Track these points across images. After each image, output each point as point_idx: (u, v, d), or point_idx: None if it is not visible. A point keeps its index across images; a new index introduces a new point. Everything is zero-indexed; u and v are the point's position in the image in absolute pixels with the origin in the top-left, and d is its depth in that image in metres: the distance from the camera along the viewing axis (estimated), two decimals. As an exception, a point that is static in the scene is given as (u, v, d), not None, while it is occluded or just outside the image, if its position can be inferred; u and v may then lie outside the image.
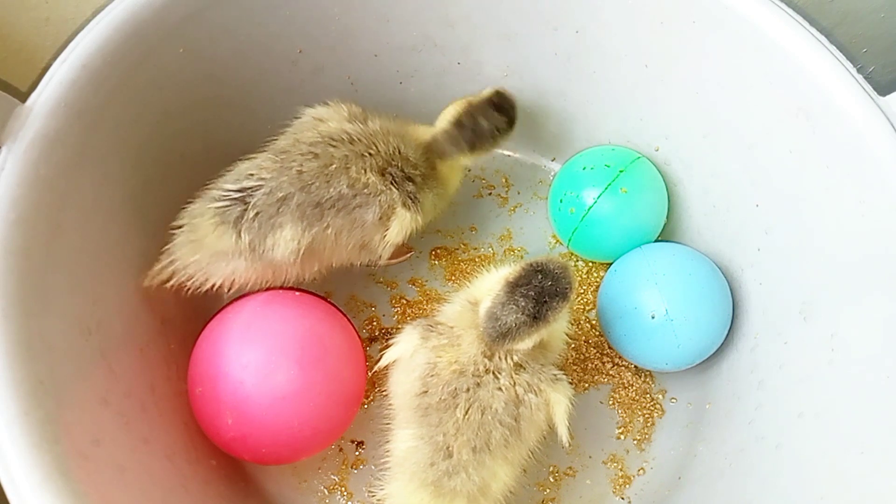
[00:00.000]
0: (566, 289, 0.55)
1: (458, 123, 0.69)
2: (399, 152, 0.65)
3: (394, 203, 0.63)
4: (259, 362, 0.59)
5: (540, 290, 0.54)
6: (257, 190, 0.60)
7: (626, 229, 0.75)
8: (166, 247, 0.63)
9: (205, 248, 0.61)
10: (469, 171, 0.84)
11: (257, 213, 0.60)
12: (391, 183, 0.63)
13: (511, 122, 0.71)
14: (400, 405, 0.59)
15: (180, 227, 0.62)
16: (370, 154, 0.63)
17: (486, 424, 0.55)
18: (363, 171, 0.62)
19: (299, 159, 0.61)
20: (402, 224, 0.64)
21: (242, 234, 0.60)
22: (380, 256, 0.67)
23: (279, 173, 0.61)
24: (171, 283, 0.63)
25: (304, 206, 0.60)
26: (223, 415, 0.59)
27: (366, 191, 0.62)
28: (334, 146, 0.62)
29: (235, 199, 0.60)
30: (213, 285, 0.64)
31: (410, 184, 0.64)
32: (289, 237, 0.60)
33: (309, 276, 0.67)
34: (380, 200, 0.62)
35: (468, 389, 0.55)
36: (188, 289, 0.63)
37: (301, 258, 0.62)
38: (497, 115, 0.70)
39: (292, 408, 0.59)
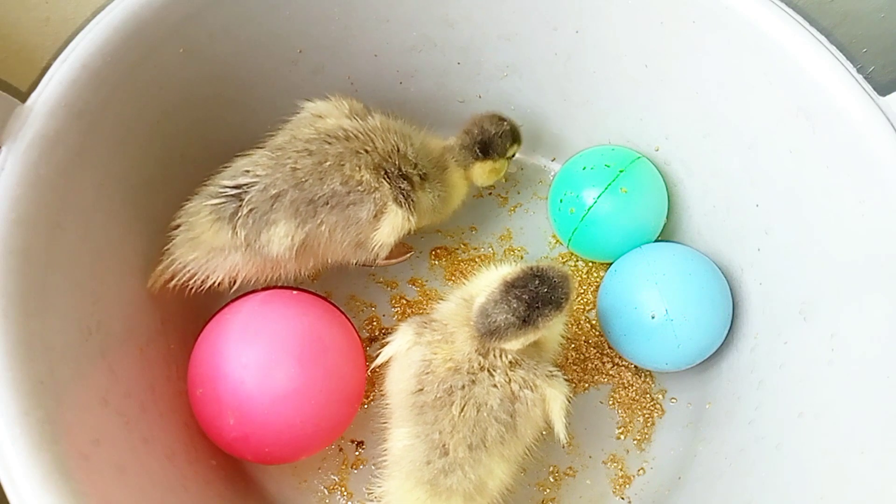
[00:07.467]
0: (561, 299, 0.55)
1: (466, 132, 0.73)
2: (398, 150, 0.64)
3: (386, 199, 0.63)
4: (259, 361, 0.59)
5: (534, 296, 0.54)
6: (252, 186, 0.61)
7: (626, 229, 0.75)
8: (166, 247, 0.63)
9: (202, 245, 0.62)
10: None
11: (252, 210, 0.60)
12: (384, 178, 0.63)
13: (514, 129, 0.75)
14: (396, 403, 0.59)
15: (178, 227, 0.63)
16: (366, 151, 0.63)
17: (481, 421, 0.55)
18: (357, 169, 0.62)
19: (294, 156, 0.62)
20: (393, 222, 0.64)
21: (238, 230, 0.61)
22: (377, 255, 0.66)
23: (274, 170, 0.61)
24: (174, 283, 0.64)
25: (298, 202, 0.61)
26: (225, 415, 0.59)
27: (359, 188, 0.62)
28: (330, 143, 0.62)
29: (231, 195, 0.61)
30: (214, 283, 0.64)
31: (405, 181, 0.64)
32: (282, 233, 0.61)
33: (305, 272, 0.67)
34: (374, 198, 0.62)
35: (463, 387, 0.55)
36: (190, 288, 0.64)
37: (296, 254, 0.63)
38: (500, 122, 0.74)
39: (294, 405, 0.59)
